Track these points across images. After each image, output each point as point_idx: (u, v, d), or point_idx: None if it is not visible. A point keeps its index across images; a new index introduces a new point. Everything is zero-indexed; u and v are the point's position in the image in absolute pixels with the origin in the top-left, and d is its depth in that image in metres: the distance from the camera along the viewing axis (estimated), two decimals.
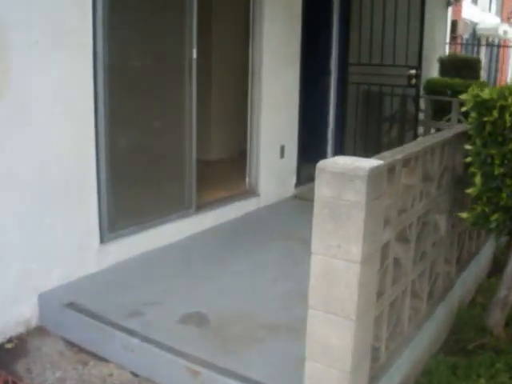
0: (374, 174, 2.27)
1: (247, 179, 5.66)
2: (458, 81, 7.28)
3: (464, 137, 3.62)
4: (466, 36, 17.63)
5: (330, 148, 7.07)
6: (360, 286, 2.30)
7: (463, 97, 3.31)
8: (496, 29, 21.16)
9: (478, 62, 9.36)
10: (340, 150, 7.03)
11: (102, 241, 3.97)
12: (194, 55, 4.60)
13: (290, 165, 6.08)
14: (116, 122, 4.01)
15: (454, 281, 3.99)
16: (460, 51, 15.46)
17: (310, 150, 6.37)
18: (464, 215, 3.48)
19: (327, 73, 6.95)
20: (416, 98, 6.47)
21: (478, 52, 17.07)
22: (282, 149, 5.88)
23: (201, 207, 4.93)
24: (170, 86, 4.57)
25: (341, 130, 7.00)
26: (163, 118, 4.54)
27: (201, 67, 4.71)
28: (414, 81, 6.27)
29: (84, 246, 3.86)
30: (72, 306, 3.48)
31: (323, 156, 7.05)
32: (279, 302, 3.67)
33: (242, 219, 5.33)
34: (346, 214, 2.27)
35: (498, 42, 21.50)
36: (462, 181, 3.64)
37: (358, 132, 7.01)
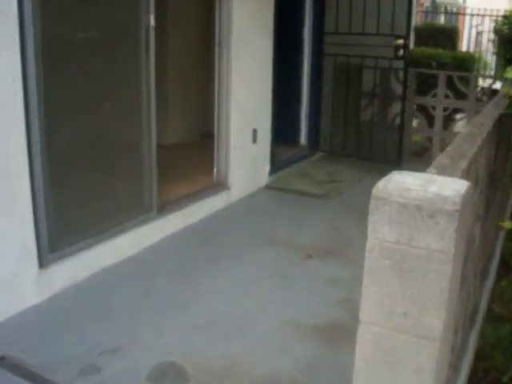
0: (464, 204, 1.47)
1: (215, 170, 4.81)
2: (442, 52, 6.56)
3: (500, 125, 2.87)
4: (426, 5, 17.05)
5: (304, 128, 6.26)
6: (436, 372, 1.53)
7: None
8: None
9: (456, 30, 8.68)
10: (315, 131, 6.24)
11: (42, 264, 3.07)
12: (152, 22, 3.68)
13: (263, 150, 5.25)
14: (55, 110, 3.08)
15: (479, 295, 3.30)
16: (421, 20, 14.86)
17: (282, 131, 5.55)
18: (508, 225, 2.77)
19: (300, 42, 6.11)
20: (405, 71, 5.70)
21: (437, 20, 16.55)
22: (255, 132, 5.04)
23: (162, 208, 4.06)
24: (123, 61, 3.65)
25: (316, 107, 6.19)
26: (115, 101, 3.61)
27: (156, 35, 3.80)
28: (401, 52, 5.49)
29: (19, 273, 2.97)
30: (3, 362, 2.60)
31: (296, 138, 6.27)
32: (274, 341, 2.88)
33: (213, 219, 4.49)
34: (421, 269, 1.47)
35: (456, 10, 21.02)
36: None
37: (335, 110, 6.21)
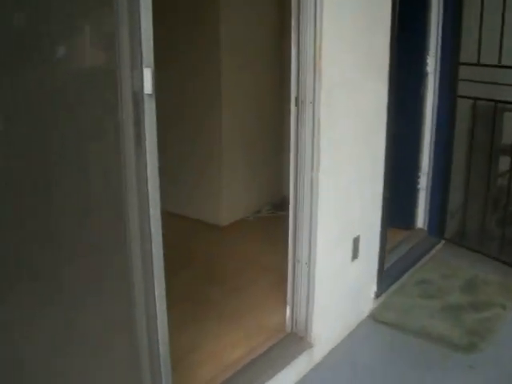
0: None
1: (288, 312, 2.88)
2: None
3: None
4: None
5: (422, 205, 4.23)
6: None
7: None
8: None
9: None
10: (439, 210, 4.18)
11: None
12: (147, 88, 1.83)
13: (367, 266, 3.28)
14: None
15: None
16: None
17: (391, 209, 3.54)
18: None
19: (420, 78, 4.06)
20: None
21: None
22: (356, 243, 3.07)
23: None
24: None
25: (442, 174, 4.13)
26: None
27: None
28: None
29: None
30: None
31: (411, 218, 4.25)
32: None
33: None
34: None
35: None
36: None
37: (470, 178, 4.13)
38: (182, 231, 4.32)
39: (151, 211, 1.87)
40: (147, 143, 1.78)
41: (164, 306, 2.00)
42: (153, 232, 1.88)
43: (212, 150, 4.30)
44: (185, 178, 4.46)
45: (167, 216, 4.49)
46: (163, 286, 1.97)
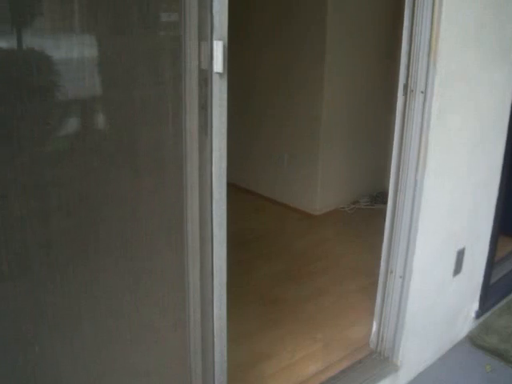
0: None
1: (374, 328, 2.54)
2: None
3: None
4: None
5: None
6: None
7: None
8: None
9: None
10: None
11: None
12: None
13: (470, 282, 2.87)
14: None
15: None
16: None
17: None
18: None
19: None
20: None
21: None
22: (460, 256, 2.67)
23: None
24: None
25: None
26: None
27: None
28: None
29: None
30: None
31: None
32: None
33: None
34: None
35: None
36: None
37: None
38: (271, 218, 4.08)
39: (215, 213, 1.58)
40: (214, 131, 1.48)
41: (224, 309, 1.72)
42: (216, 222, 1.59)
43: (311, 136, 4.00)
44: (280, 164, 4.22)
45: (259, 199, 4.32)
46: (224, 282, 1.68)
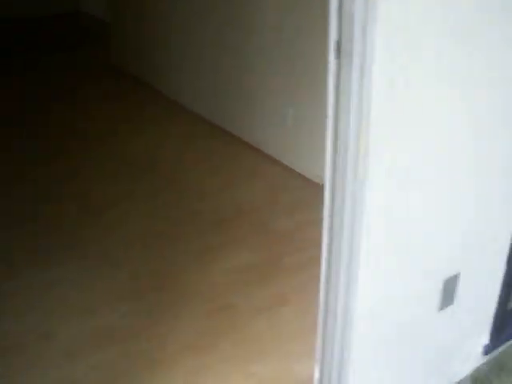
0: None
1: (317, 373, 1.89)
2: None
3: None
4: None
5: None
6: None
7: None
8: None
9: None
10: None
11: None
12: None
13: (471, 313, 2.09)
14: None
15: None
16: None
17: None
18: None
19: None
20: None
21: None
22: (450, 286, 1.90)
23: None
24: None
25: None
26: None
27: None
28: None
29: None
30: None
31: None
32: None
33: None
34: None
35: None
36: None
37: None
38: (266, 186, 3.43)
39: None
40: None
41: None
42: None
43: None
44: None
45: (259, 158, 3.63)
46: None
